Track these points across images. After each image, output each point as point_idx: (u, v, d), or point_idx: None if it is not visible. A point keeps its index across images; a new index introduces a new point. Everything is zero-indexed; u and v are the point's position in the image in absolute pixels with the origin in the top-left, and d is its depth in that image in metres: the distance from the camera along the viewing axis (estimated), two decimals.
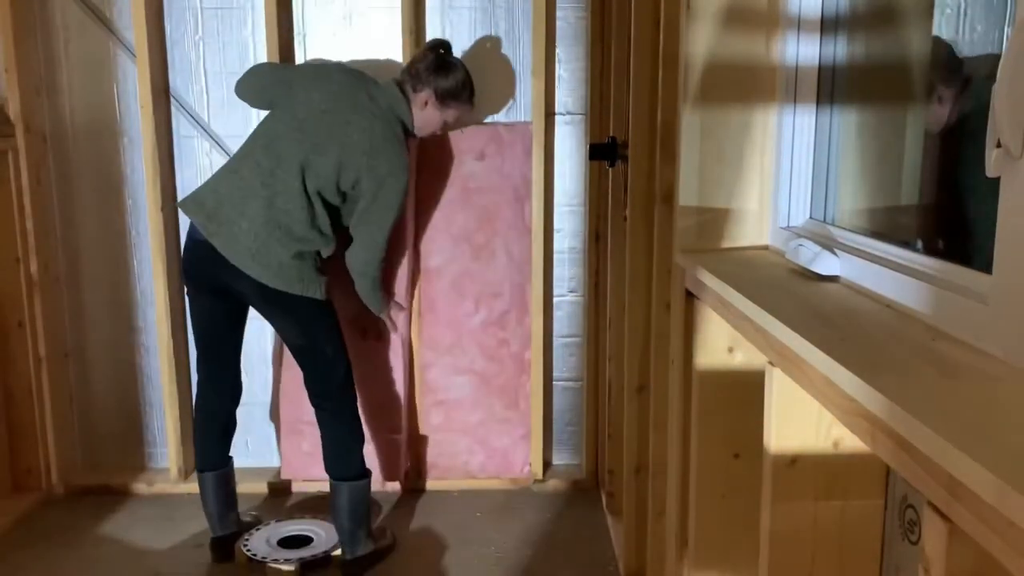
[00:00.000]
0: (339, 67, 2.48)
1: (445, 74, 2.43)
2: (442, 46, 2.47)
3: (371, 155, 2.29)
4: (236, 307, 2.43)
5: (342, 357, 2.43)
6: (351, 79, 2.42)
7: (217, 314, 2.44)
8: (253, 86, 2.51)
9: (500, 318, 2.95)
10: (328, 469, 2.43)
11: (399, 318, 2.77)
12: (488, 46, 2.87)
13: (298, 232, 2.29)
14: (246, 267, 2.25)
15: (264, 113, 2.46)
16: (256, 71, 2.55)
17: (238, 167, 2.36)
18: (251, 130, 2.72)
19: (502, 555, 2.57)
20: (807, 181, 1.58)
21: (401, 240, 2.79)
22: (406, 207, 2.71)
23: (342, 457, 2.42)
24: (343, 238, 2.42)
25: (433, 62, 2.43)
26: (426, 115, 2.46)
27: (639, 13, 2.03)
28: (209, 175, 2.85)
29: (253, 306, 2.42)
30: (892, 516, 1.21)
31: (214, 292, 2.38)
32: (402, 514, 2.82)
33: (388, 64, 2.84)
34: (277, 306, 2.34)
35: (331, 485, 2.42)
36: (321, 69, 2.48)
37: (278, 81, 2.46)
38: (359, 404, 2.50)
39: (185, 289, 2.43)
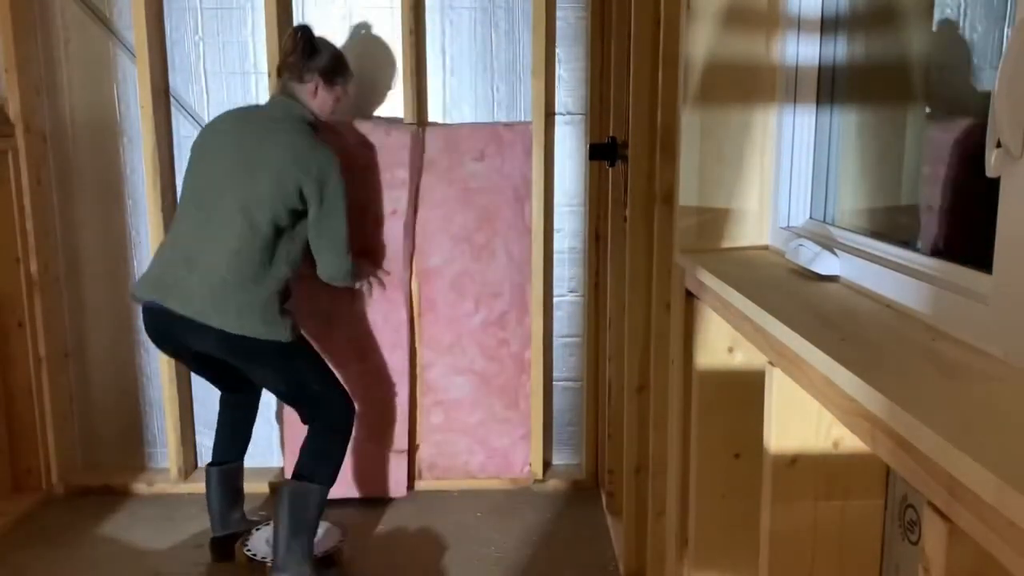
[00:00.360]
0: (225, 114, 2.44)
1: (318, 55, 2.43)
2: (302, 30, 2.43)
3: (299, 160, 2.27)
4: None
5: (333, 387, 2.38)
6: (241, 113, 2.44)
7: (197, 365, 2.45)
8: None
9: (500, 318, 2.95)
10: (298, 464, 2.31)
11: (388, 279, 2.77)
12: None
13: (250, 271, 2.23)
14: (206, 318, 2.19)
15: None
16: None
17: (175, 233, 2.34)
18: None
19: (502, 555, 2.57)
20: (807, 181, 1.58)
21: (400, 240, 2.80)
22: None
23: (318, 457, 2.33)
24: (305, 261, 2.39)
25: (303, 50, 2.40)
26: (320, 100, 2.45)
27: (639, 13, 2.03)
28: None
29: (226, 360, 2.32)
30: (892, 516, 1.21)
31: (184, 351, 2.36)
32: (402, 514, 2.82)
33: (389, 61, 2.85)
34: (247, 356, 2.28)
35: (284, 482, 2.32)
36: (210, 125, 2.44)
37: (189, 164, 2.41)
38: (362, 422, 2.46)
39: None
